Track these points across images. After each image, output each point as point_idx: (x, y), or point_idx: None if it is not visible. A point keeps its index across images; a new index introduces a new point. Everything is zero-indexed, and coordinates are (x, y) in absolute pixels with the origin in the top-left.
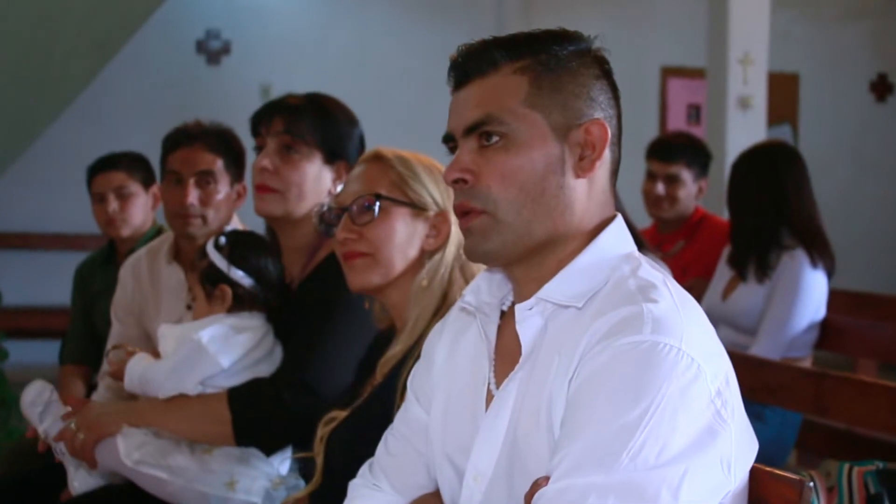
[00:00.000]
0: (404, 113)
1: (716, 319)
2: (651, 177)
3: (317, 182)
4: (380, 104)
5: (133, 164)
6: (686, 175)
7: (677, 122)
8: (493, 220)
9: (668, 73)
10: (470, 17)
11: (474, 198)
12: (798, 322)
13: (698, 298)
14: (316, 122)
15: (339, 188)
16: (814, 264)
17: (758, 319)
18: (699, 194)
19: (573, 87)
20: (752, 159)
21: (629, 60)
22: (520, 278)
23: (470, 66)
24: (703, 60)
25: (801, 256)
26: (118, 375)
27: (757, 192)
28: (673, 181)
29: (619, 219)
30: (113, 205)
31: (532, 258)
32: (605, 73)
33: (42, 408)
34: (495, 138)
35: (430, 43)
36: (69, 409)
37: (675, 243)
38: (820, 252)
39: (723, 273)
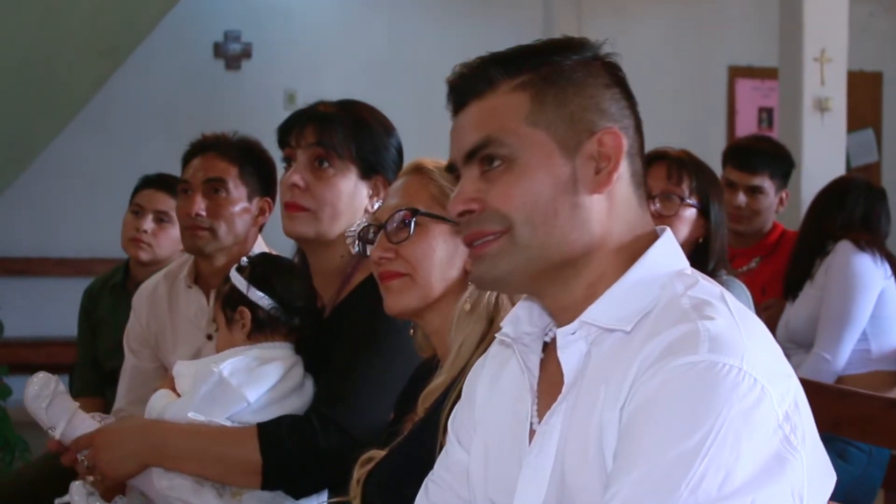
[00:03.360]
0: (442, 121)
1: (785, 345)
2: (730, 187)
3: (352, 199)
4: (415, 111)
5: None
6: (769, 186)
7: (747, 128)
8: (509, 241)
9: (737, 73)
10: (515, 17)
11: (487, 222)
12: (859, 309)
13: (775, 320)
14: (350, 133)
15: (377, 205)
16: (860, 248)
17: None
18: (779, 206)
19: (580, 98)
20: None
21: (693, 60)
22: (550, 307)
23: (466, 87)
24: (775, 59)
25: (843, 246)
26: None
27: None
28: (755, 193)
29: (668, 234)
30: (148, 224)
31: (553, 285)
32: (617, 81)
33: (47, 402)
34: (497, 162)
35: (471, 44)
36: (77, 406)
37: (750, 259)
38: (866, 239)
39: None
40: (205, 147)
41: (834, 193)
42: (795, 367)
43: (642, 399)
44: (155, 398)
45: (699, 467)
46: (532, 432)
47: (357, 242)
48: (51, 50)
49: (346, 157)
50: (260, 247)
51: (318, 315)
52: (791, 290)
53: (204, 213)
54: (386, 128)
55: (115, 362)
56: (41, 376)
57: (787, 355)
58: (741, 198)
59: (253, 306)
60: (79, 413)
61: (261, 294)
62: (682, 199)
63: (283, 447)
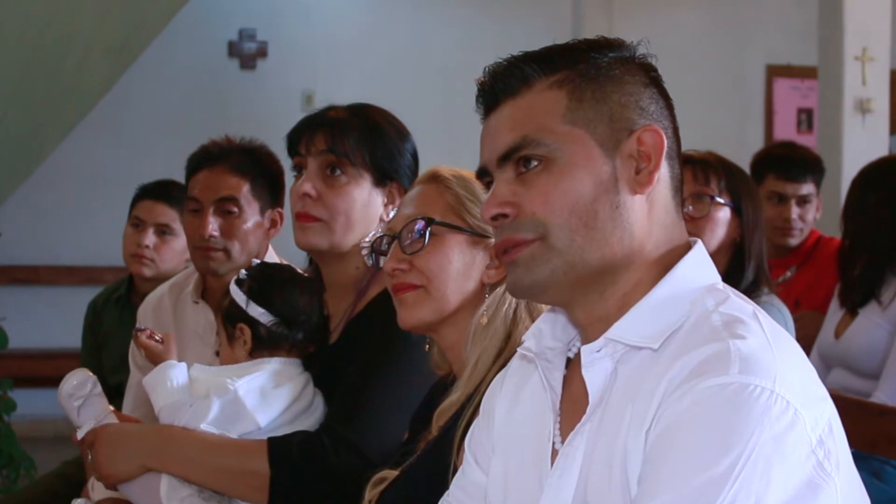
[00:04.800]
0: (467, 124)
1: (830, 361)
2: (780, 199)
3: (366, 209)
4: (439, 114)
5: None
6: (814, 194)
7: (786, 130)
8: (543, 247)
9: (775, 72)
10: (543, 15)
11: (520, 229)
12: None
13: (808, 335)
14: (363, 139)
15: (392, 214)
16: None
17: (879, 360)
18: (816, 213)
19: (619, 95)
20: (871, 175)
21: (729, 58)
22: (582, 319)
23: (499, 86)
24: (815, 57)
25: None
26: (154, 357)
27: (874, 212)
28: (804, 203)
29: (699, 246)
30: (149, 238)
31: (589, 293)
32: (654, 81)
33: (81, 402)
34: (534, 163)
35: (498, 44)
36: (110, 410)
37: (785, 269)
38: None
39: (836, 307)
40: (211, 159)
41: (878, 184)
42: (840, 385)
43: (669, 421)
44: (169, 371)
45: (728, 494)
46: (554, 453)
47: (370, 253)
48: (57, 49)
49: (358, 164)
50: (271, 258)
51: (324, 328)
52: (850, 302)
53: (217, 235)
54: (400, 132)
55: (121, 377)
56: (79, 374)
57: (829, 367)
58: (794, 210)
59: (253, 322)
60: (110, 417)
61: (261, 310)
62: (713, 198)
63: (292, 463)
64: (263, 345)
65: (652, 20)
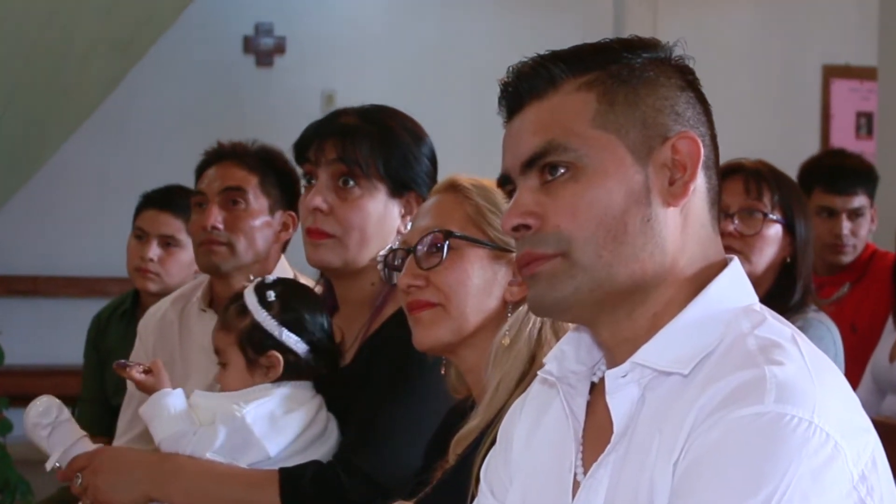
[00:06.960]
0: (499, 127)
1: (884, 386)
2: (830, 214)
3: (381, 222)
4: (468, 115)
5: None
6: (867, 206)
7: (844, 135)
8: (566, 263)
9: (833, 73)
10: (582, 12)
11: (541, 243)
12: None
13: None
14: (376, 146)
15: (410, 225)
16: None
17: None
18: (871, 225)
19: (653, 99)
20: None
21: (783, 58)
22: (608, 340)
23: (523, 87)
24: (876, 58)
25: None
26: (146, 389)
27: None
28: (856, 217)
29: (735, 263)
30: (154, 251)
31: (616, 312)
32: (691, 85)
33: (49, 430)
34: (561, 170)
35: (531, 42)
36: (83, 434)
37: (839, 287)
38: None
39: (892, 327)
40: (221, 155)
41: None
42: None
43: (699, 452)
44: (169, 398)
45: None
46: (576, 485)
47: (384, 269)
48: (60, 44)
49: (372, 174)
50: (283, 268)
51: (339, 351)
52: None
53: (221, 227)
54: (416, 136)
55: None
56: (43, 401)
57: (883, 393)
58: (846, 225)
59: (284, 350)
60: (83, 441)
61: (295, 338)
62: (765, 215)
63: (304, 496)
64: (292, 374)
65: (699, 18)
